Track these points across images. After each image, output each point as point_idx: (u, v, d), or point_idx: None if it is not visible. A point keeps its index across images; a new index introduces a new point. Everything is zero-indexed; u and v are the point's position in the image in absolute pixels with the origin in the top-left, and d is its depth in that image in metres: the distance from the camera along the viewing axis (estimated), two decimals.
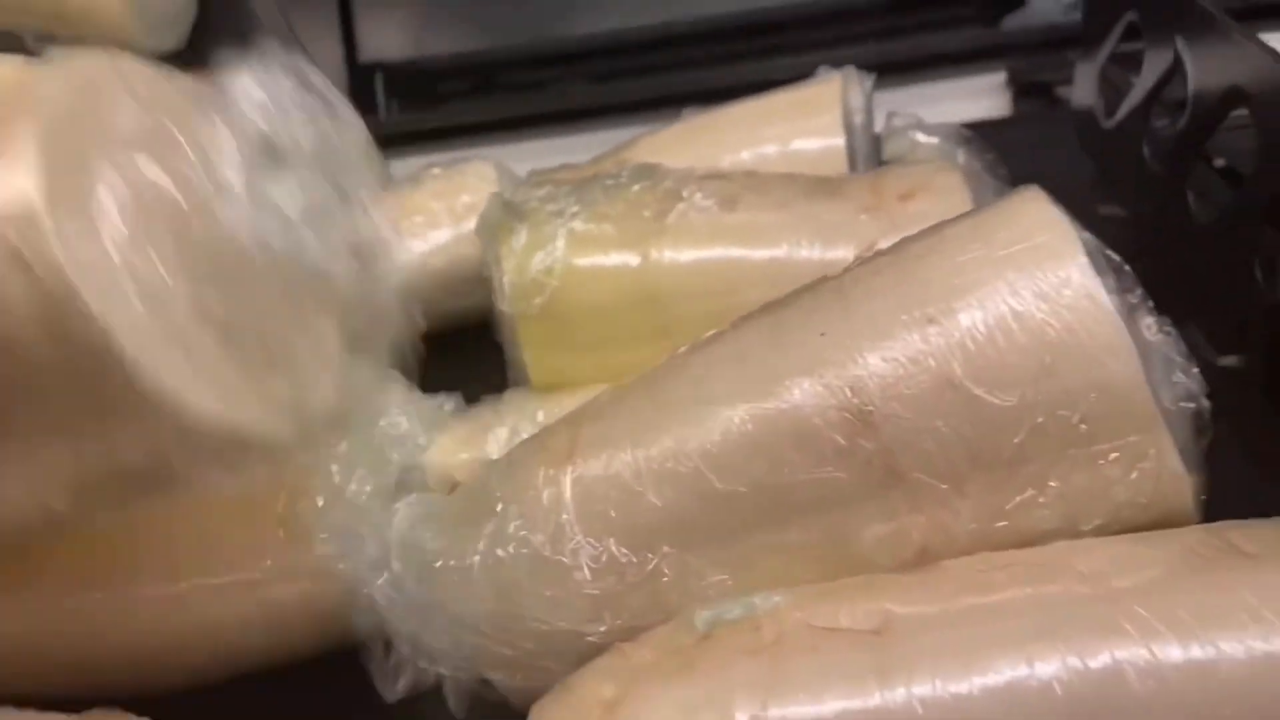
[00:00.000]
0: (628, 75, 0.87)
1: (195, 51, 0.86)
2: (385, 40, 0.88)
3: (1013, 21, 0.79)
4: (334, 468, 0.36)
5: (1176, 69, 0.48)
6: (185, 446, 0.26)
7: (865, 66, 0.60)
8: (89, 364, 0.23)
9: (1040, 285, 0.29)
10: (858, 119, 0.55)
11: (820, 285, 0.33)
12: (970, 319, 0.29)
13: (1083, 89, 0.62)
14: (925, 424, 0.29)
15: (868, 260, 0.33)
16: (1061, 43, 0.73)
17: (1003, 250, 0.30)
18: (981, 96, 0.78)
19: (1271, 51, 0.40)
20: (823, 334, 0.31)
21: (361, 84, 0.87)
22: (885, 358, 0.30)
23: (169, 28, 0.83)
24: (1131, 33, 0.55)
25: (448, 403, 0.47)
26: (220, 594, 0.37)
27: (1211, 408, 0.32)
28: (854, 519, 0.30)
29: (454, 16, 0.88)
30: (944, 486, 0.29)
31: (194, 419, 0.25)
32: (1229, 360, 0.45)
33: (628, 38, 0.85)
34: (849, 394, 0.30)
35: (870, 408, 0.29)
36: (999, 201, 0.32)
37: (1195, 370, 0.32)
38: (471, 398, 0.48)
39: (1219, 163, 0.54)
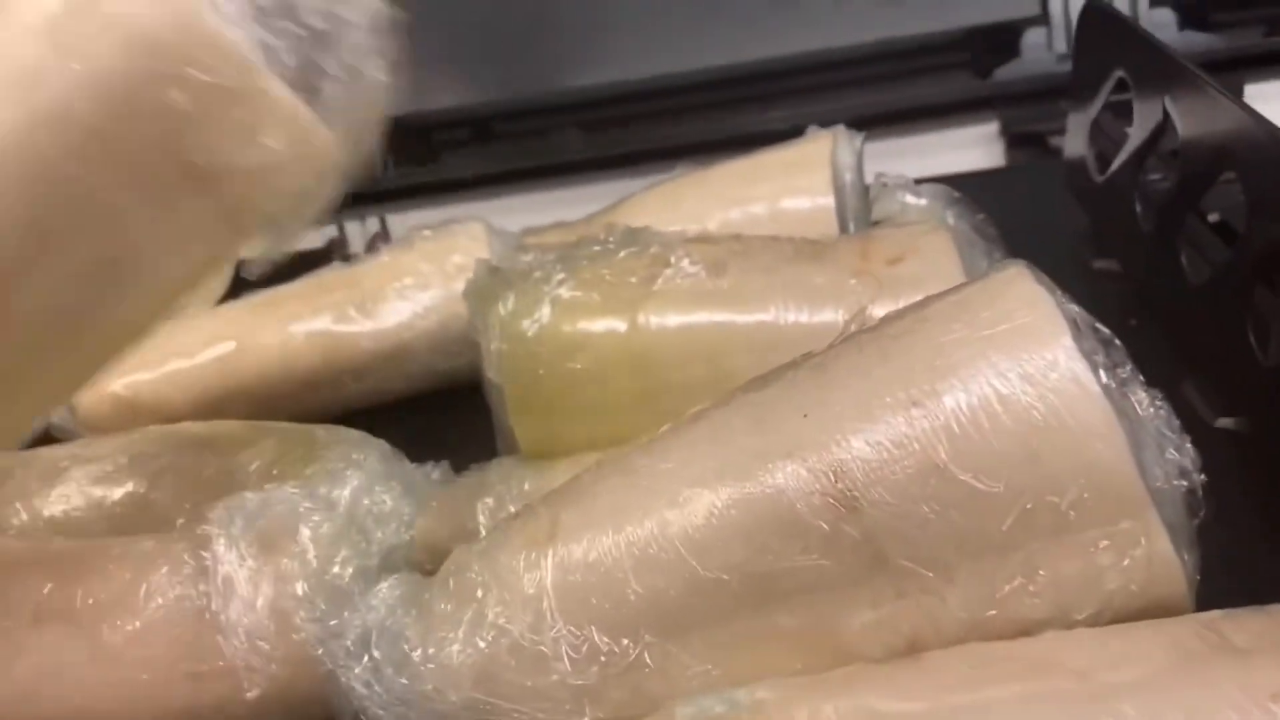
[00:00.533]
0: (623, 127, 0.88)
1: None
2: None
3: (1005, 72, 0.79)
4: (313, 551, 0.36)
5: (1166, 126, 0.48)
6: (302, 156, 0.34)
7: (858, 117, 0.60)
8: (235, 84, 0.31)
9: (1025, 368, 0.28)
10: (848, 177, 0.55)
11: (803, 363, 0.33)
12: (954, 401, 0.29)
13: (1074, 140, 0.62)
14: (911, 509, 0.28)
15: (850, 338, 0.33)
16: (1054, 93, 0.73)
17: (986, 330, 0.29)
18: (974, 147, 0.78)
19: (1254, 114, 0.39)
20: (805, 415, 0.30)
21: None
22: (869, 441, 0.29)
23: None
24: (1123, 84, 0.55)
25: (434, 471, 0.46)
26: (199, 680, 0.36)
27: (1207, 472, 0.31)
28: (841, 607, 0.29)
29: (450, 71, 0.89)
30: (930, 574, 0.29)
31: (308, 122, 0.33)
32: (1226, 422, 0.45)
33: (623, 90, 0.86)
34: (832, 478, 0.29)
35: (854, 492, 0.29)
36: (983, 279, 0.32)
37: (1188, 445, 0.31)
38: (461, 461, 0.48)
39: (1213, 217, 0.54)
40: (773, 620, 0.30)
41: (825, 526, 0.29)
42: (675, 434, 0.33)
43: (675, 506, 0.31)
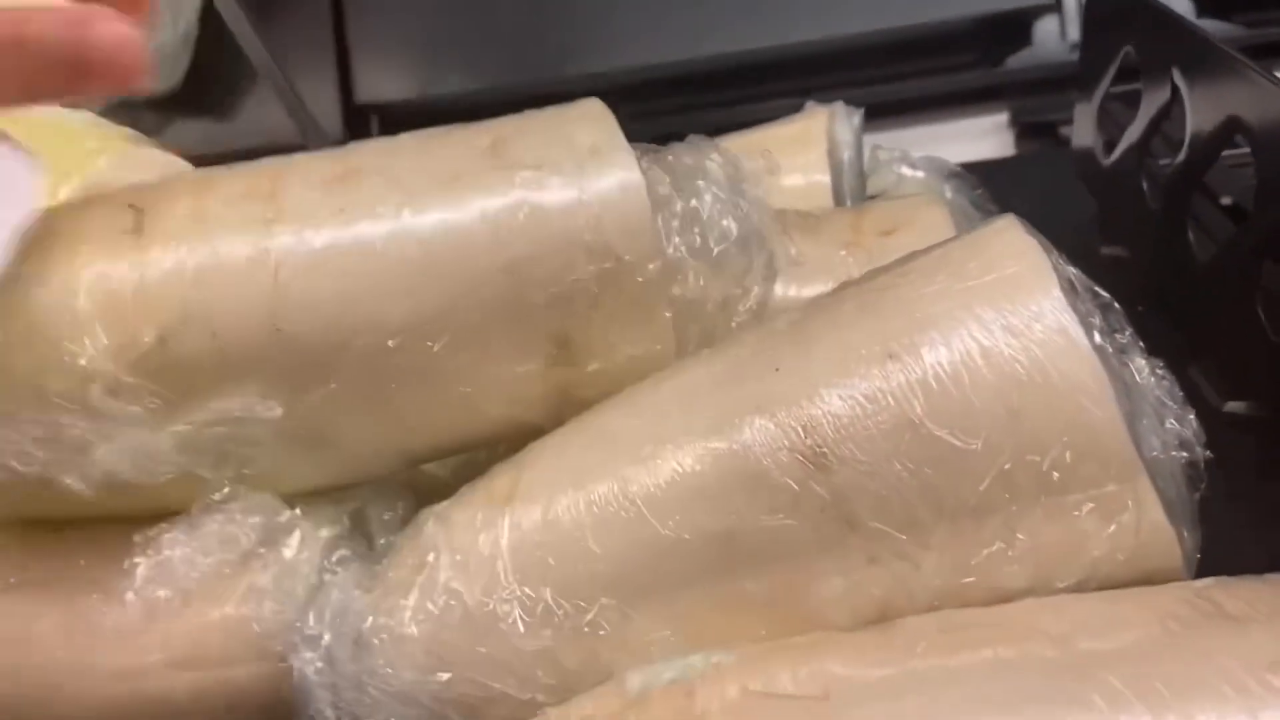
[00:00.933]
0: (626, 117, 0.86)
1: (190, 95, 0.86)
2: (382, 81, 0.87)
3: (1016, 60, 0.77)
4: (288, 540, 0.34)
5: (1174, 101, 0.46)
6: None
7: (866, 105, 0.58)
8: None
9: (1009, 319, 0.27)
10: (846, 155, 0.53)
11: (780, 318, 0.31)
12: (933, 355, 0.27)
13: (1082, 128, 0.60)
14: (883, 468, 0.27)
15: (832, 293, 0.31)
16: (1065, 82, 0.71)
17: (971, 281, 0.28)
18: (984, 137, 0.76)
19: (1271, 79, 0.38)
20: (777, 369, 0.29)
21: (357, 125, 0.86)
22: (841, 395, 0.27)
23: (161, 71, 0.83)
24: (1132, 73, 0.53)
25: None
26: (178, 671, 0.34)
27: (1212, 456, 0.29)
28: (808, 572, 0.28)
29: (451, 58, 0.87)
30: (903, 537, 0.27)
31: None
32: (1234, 406, 0.43)
33: (626, 79, 0.84)
34: (801, 434, 0.27)
35: (824, 449, 0.27)
36: (971, 231, 0.30)
37: (1191, 417, 0.30)
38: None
39: (1224, 201, 0.52)
40: (737, 585, 0.28)
41: (793, 485, 0.27)
42: (645, 390, 0.32)
43: (639, 463, 0.29)
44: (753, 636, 0.28)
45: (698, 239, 0.34)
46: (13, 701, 0.34)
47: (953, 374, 0.26)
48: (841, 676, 0.24)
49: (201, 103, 0.86)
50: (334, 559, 0.34)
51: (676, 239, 0.33)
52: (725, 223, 0.34)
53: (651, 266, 0.32)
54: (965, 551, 0.27)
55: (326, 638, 0.31)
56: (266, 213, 0.31)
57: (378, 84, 0.86)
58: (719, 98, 0.84)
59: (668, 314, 0.32)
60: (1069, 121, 0.68)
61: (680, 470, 0.28)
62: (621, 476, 0.29)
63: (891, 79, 0.78)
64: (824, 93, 0.79)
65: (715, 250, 0.34)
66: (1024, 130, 0.75)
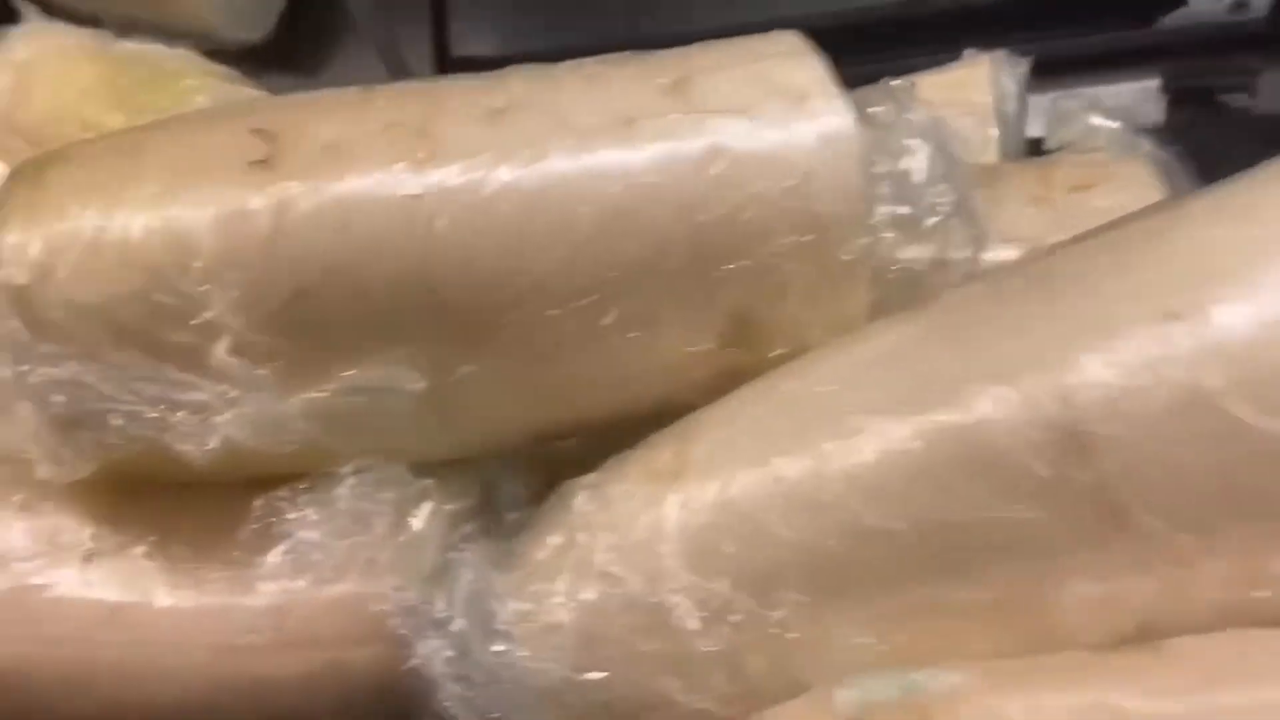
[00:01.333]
0: None
1: (281, 45, 0.83)
2: (480, 34, 0.83)
3: (1170, 21, 0.70)
4: (417, 510, 0.30)
5: None
6: None
7: None
8: None
9: None
10: (1011, 107, 0.47)
11: (1012, 269, 0.26)
12: (1232, 315, 0.22)
13: (1272, 91, 0.54)
14: (1163, 453, 0.22)
15: (1072, 240, 0.26)
16: (1224, 44, 0.65)
17: (1275, 226, 0.22)
18: (1133, 103, 0.70)
19: None
20: (1020, 330, 0.24)
21: None
22: (1108, 362, 0.22)
23: (252, 19, 0.80)
24: None
25: None
26: (288, 651, 0.30)
27: None
28: (1054, 574, 0.23)
29: (553, 11, 0.83)
30: (1185, 538, 0.22)
31: None
32: None
33: (735, 32, 0.79)
34: (1058, 408, 0.22)
35: (1087, 427, 0.22)
36: (1256, 169, 0.25)
37: None
38: None
39: None
40: (960, 589, 0.23)
41: (1043, 471, 0.22)
42: (836, 352, 0.27)
43: (839, 438, 0.25)
44: (974, 650, 0.24)
45: (907, 209, 0.28)
46: (108, 673, 0.31)
47: (1259, 339, 0.21)
48: (1126, 710, 0.19)
49: (293, 53, 0.83)
50: (461, 534, 0.30)
51: (882, 209, 0.28)
52: (937, 190, 0.29)
53: (860, 243, 0.27)
54: (1262, 559, 0.22)
55: (459, 623, 0.27)
56: (419, 150, 0.27)
57: (475, 37, 0.83)
58: (852, 56, 0.78)
59: (867, 298, 0.27)
60: (1229, 88, 0.62)
61: (893, 448, 0.24)
62: (819, 453, 0.24)
63: (1031, 40, 0.72)
64: (951, 52, 0.73)
65: (926, 223, 0.29)
66: (1177, 95, 0.69)
